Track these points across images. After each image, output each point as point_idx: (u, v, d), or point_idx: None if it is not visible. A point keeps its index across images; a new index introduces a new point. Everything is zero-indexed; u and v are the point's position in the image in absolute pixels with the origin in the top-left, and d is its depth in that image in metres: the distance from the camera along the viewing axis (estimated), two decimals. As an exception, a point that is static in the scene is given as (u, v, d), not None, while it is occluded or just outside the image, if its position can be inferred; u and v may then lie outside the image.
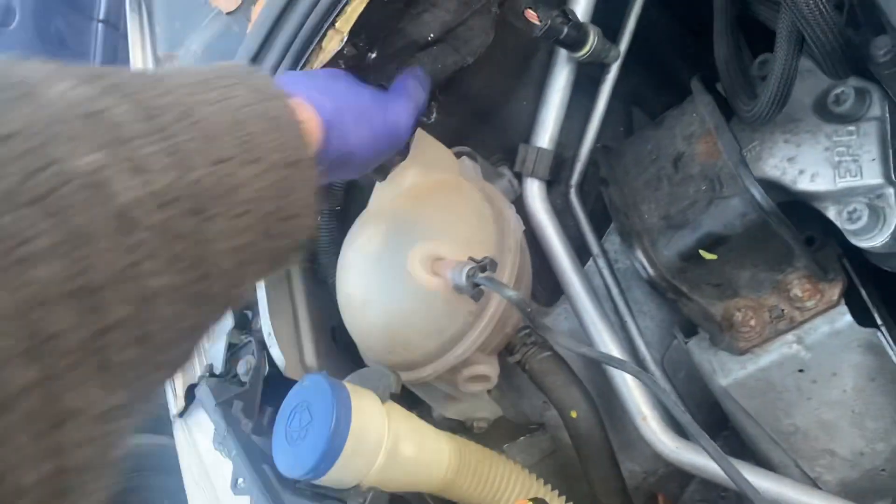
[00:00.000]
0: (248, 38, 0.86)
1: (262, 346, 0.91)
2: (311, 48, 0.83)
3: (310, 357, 0.95)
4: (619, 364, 0.72)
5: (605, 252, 0.93)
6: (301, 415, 0.74)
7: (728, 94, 0.75)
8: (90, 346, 0.33)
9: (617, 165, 0.82)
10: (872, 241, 0.65)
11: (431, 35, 0.85)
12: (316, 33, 0.82)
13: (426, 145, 0.87)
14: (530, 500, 0.78)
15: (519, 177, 0.96)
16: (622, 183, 0.80)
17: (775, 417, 0.80)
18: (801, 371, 0.77)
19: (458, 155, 0.92)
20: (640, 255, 0.76)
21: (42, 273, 0.30)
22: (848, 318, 0.74)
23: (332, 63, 0.85)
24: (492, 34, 0.86)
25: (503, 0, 0.87)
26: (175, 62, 1.11)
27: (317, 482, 0.71)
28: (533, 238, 0.92)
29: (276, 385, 0.91)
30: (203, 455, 0.84)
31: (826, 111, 0.71)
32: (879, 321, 0.75)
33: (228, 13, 0.99)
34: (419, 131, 0.88)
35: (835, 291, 0.74)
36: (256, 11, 0.91)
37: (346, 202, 1.00)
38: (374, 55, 0.88)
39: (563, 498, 0.83)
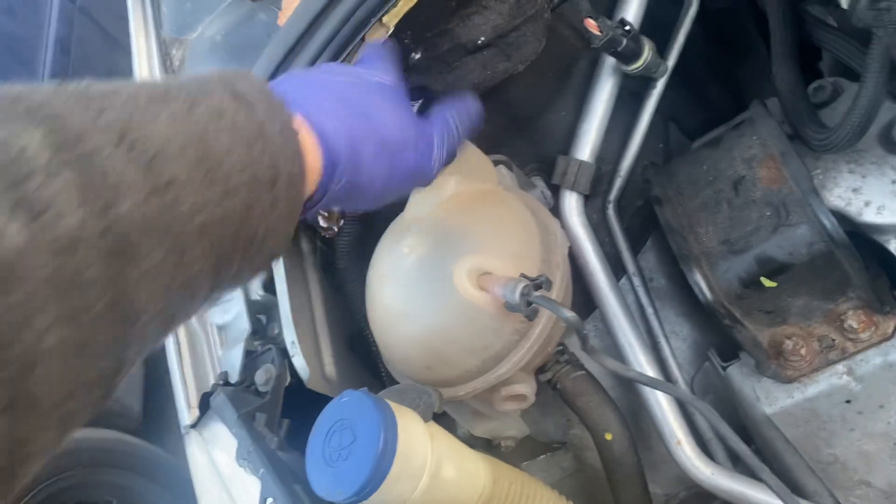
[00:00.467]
0: (285, 27, 0.81)
1: (283, 354, 0.86)
2: (354, 43, 0.79)
3: (329, 367, 0.90)
4: (673, 391, 0.70)
5: (640, 270, 0.91)
6: (342, 434, 0.70)
7: (793, 119, 0.73)
8: None
9: (669, 184, 0.80)
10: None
11: (482, 39, 0.81)
12: (362, 27, 0.78)
13: (468, 152, 0.84)
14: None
15: (553, 188, 0.94)
16: (676, 203, 0.78)
17: (815, 447, 0.80)
18: (847, 402, 0.76)
19: (495, 164, 0.89)
20: (698, 278, 0.74)
21: None
22: (901, 351, 0.73)
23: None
24: (543, 41, 0.83)
25: (555, 6, 0.84)
26: (184, 48, 1.05)
27: (357, 505, 0.67)
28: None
29: (292, 396, 0.87)
30: (221, 469, 0.79)
31: (891, 143, 0.70)
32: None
33: (254, 0, 0.94)
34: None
35: (889, 324, 0.73)
36: (291, 2, 0.86)
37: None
38: (418, 56, 0.84)
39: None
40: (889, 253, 0.71)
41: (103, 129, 0.36)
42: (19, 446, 0.31)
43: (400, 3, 0.76)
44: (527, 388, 0.81)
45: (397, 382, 0.94)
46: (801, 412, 0.78)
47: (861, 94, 0.62)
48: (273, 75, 0.81)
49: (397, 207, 0.87)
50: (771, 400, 0.79)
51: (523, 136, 0.94)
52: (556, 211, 0.91)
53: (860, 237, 0.72)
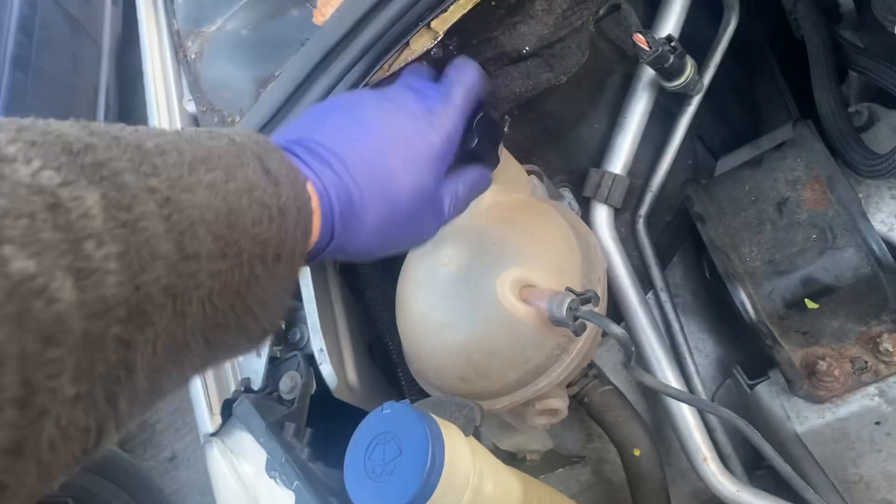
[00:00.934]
0: (326, 27, 0.79)
1: (308, 361, 0.84)
2: (399, 47, 0.78)
3: (351, 375, 0.88)
4: (721, 412, 0.70)
5: (668, 286, 0.91)
6: (385, 447, 0.68)
7: (838, 144, 0.74)
8: None
9: (710, 202, 0.80)
10: None
11: (526, 48, 0.80)
12: (408, 31, 0.76)
13: (505, 161, 0.83)
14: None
15: (581, 200, 0.93)
16: (718, 221, 0.78)
17: (842, 466, 0.81)
18: (877, 423, 0.77)
19: (527, 173, 0.88)
20: (743, 297, 0.74)
21: None
22: (933, 375, 0.75)
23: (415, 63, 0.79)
24: (587, 53, 0.82)
25: (599, 18, 0.83)
26: (201, 40, 1.01)
27: (401, 521, 0.66)
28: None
29: (313, 405, 0.84)
30: (247, 480, 0.76)
31: (934, 170, 0.72)
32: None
33: (285, -4, 0.91)
34: (501, 147, 0.83)
35: (923, 348, 0.75)
36: (329, 1, 0.83)
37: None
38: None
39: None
40: (925, 278, 0.73)
41: (152, 191, 0.37)
42: (4, 488, 0.31)
43: (451, 9, 0.75)
44: (560, 403, 0.80)
45: (418, 392, 0.92)
46: (832, 432, 0.79)
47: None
48: (310, 75, 0.79)
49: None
50: (802, 419, 0.79)
51: (554, 147, 0.94)
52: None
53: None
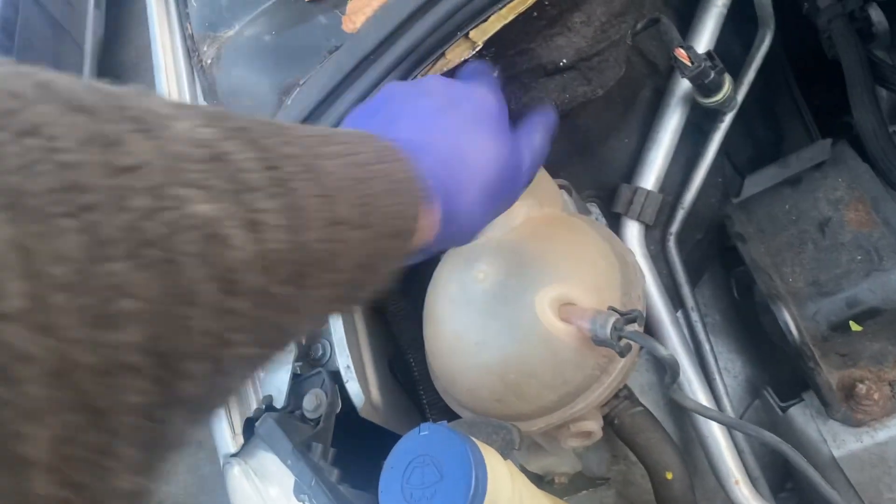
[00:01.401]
0: (361, 34, 0.77)
1: (333, 378, 0.81)
2: (435, 56, 0.76)
3: (374, 393, 0.85)
4: (769, 439, 0.68)
5: (698, 305, 0.89)
6: (424, 471, 0.66)
7: (882, 165, 0.73)
8: (145, 422, 0.27)
9: (748, 222, 0.79)
10: None
11: (564, 61, 0.79)
12: (446, 41, 0.75)
13: (539, 176, 0.81)
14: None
15: (609, 216, 0.92)
16: (758, 241, 0.77)
17: (877, 491, 0.79)
18: (916, 448, 0.76)
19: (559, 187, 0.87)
20: (787, 318, 0.73)
21: (123, 338, 0.25)
22: (972, 400, 0.74)
23: (450, 74, 0.78)
24: (624, 67, 0.81)
25: (637, 32, 0.82)
26: (218, 45, 0.98)
27: (444, 549, 0.63)
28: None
29: (337, 424, 0.81)
30: (272, 503, 0.73)
31: (977, 193, 0.71)
32: None
33: (311, 1, 0.88)
34: (536, 160, 0.82)
35: (964, 372, 0.74)
36: (360, 8, 0.81)
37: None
38: (495, 74, 0.81)
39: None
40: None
41: (292, 157, 0.36)
42: None
43: (490, 20, 0.73)
44: (595, 425, 0.78)
45: (440, 410, 0.90)
46: (869, 456, 0.78)
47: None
48: (343, 80, 0.77)
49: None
50: (839, 443, 0.78)
51: (584, 161, 0.92)
52: (612, 240, 0.89)
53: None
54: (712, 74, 0.77)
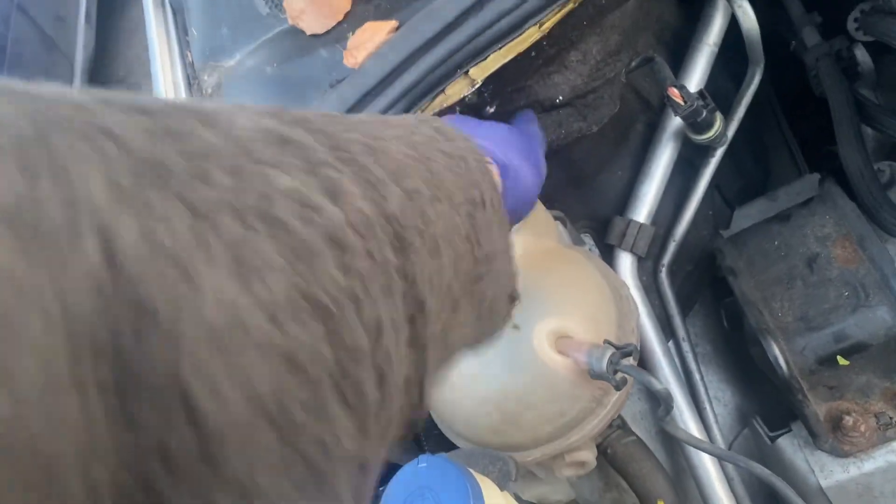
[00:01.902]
0: (364, 70, 0.78)
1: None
2: (434, 93, 0.77)
3: (371, 421, 0.86)
4: (756, 470, 0.70)
5: (689, 335, 0.91)
6: (423, 503, 0.67)
7: (867, 202, 0.76)
8: (335, 375, 0.28)
9: (738, 256, 0.81)
10: None
11: (560, 98, 0.81)
12: (446, 78, 0.76)
13: (536, 208, 0.83)
14: None
15: (602, 247, 0.93)
16: (748, 275, 0.79)
17: (864, 521, 0.81)
18: (901, 478, 0.78)
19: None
20: (777, 352, 0.75)
21: (273, 284, 0.26)
22: (956, 432, 0.76)
23: (450, 110, 0.79)
24: (618, 104, 0.83)
25: (631, 70, 0.84)
26: (219, 74, 1.00)
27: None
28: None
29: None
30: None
31: (960, 231, 0.73)
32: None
33: (313, 35, 0.90)
34: (533, 194, 0.83)
35: (948, 406, 0.76)
36: (361, 43, 0.83)
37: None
38: (492, 110, 0.83)
39: None
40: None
41: (353, 141, 0.37)
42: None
43: (490, 58, 0.75)
44: (590, 455, 0.80)
45: (435, 438, 0.91)
46: (856, 487, 0.79)
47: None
48: (347, 113, 0.78)
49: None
50: (826, 473, 0.80)
51: (578, 194, 0.94)
52: (605, 270, 0.91)
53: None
54: (704, 113, 0.79)
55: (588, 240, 0.94)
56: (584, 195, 0.94)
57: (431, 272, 0.38)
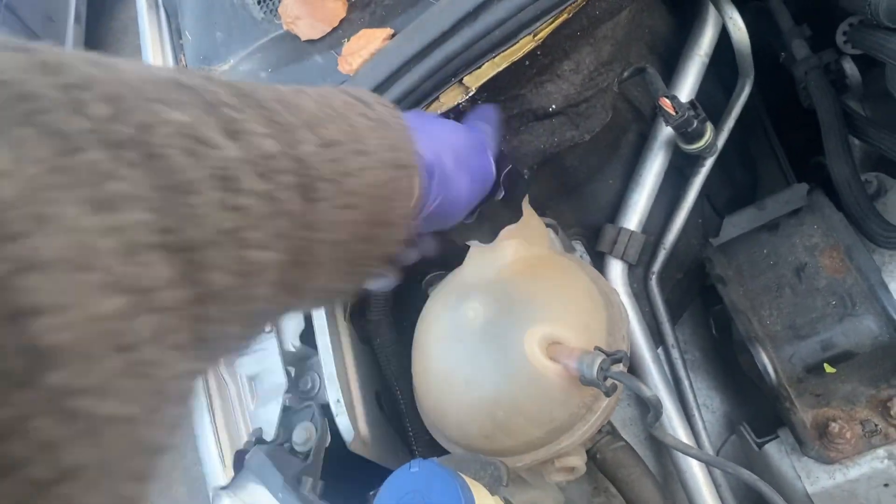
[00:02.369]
0: (360, 76, 0.80)
1: (323, 412, 0.82)
2: (430, 100, 0.78)
3: (363, 427, 0.87)
4: (744, 476, 0.71)
5: (678, 342, 0.92)
6: (415, 508, 0.67)
7: (855, 213, 0.77)
8: (188, 312, 0.28)
9: (728, 265, 0.82)
10: None
11: (553, 107, 0.82)
12: (441, 86, 0.77)
13: (527, 215, 0.83)
14: None
15: (593, 254, 0.94)
16: (737, 283, 0.80)
17: (849, 526, 0.82)
18: (885, 485, 0.79)
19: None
20: (765, 360, 0.76)
21: (129, 218, 0.26)
22: (941, 440, 0.77)
23: (444, 115, 0.80)
24: (610, 113, 0.84)
25: (623, 79, 0.85)
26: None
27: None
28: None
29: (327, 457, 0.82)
30: (263, 538, 0.74)
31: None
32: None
33: (307, 41, 0.90)
34: (525, 201, 0.84)
35: (932, 414, 0.77)
36: (356, 50, 0.83)
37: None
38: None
39: None
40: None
41: (263, 93, 0.38)
42: None
43: (484, 66, 0.76)
44: (579, 461, 0.80)
45: (425, 443, 0.91)
46: (841, 493, 0.80)
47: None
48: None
49: (434, 261, 0.85)
50: (812, 479, 0.81)
51: (570, 201, 0.95)
52: (596, 277, 0.91)
53: None
54: (695, 123, 0.80)
55: (579, 247, 0.95)
56: (576, 203, 0.95)
57: (335, 224, 0.39)
